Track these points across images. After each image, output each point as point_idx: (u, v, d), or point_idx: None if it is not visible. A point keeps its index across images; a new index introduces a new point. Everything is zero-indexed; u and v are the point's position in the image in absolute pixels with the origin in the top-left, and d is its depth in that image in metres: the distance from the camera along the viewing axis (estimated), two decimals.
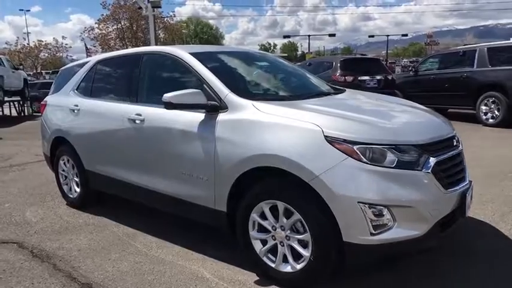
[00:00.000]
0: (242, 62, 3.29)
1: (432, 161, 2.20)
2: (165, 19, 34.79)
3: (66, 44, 41.58)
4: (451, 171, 2.34)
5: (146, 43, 32.79)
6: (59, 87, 4.31)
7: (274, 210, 2.38)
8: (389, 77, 9.66)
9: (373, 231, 2.07)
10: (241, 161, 2.38)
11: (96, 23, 31.56)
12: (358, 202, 2.04)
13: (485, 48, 8.08)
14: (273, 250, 2.45)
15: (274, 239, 2.41)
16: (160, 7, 14.09)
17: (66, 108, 3.90)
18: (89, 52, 32.17)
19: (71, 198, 4.11)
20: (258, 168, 2.36)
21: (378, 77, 9.39)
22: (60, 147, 4.09)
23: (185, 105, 2.59)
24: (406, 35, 45.91)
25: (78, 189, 3.99)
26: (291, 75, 3.47)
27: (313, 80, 3.53)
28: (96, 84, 3.76)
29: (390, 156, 2.11)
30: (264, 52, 4.14)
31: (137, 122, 3.07)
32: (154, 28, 25.57)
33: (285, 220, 2.33)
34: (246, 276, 2.56)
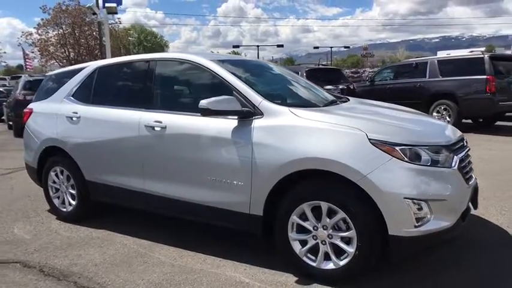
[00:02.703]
0: (260, 71, 3.38)
1: (456, 159, 2.46)
2: (111, 26, 33.41)
3: (0, 49, 38.07)
4: (466, 168, 2.63)
5: (90, 50, 31.16)
6: (46, 94, 4.04)
7: (314, 210, 2.48)
8: (351, 87, 10.25)
9: (416, 224, 2.26)
10: (283, 165, 2.46)
11: (35, 28, 29.38)
12: (404, 198, 2.22)
13: (436, 61, 8.95)
14: (312, 249, 2.54)
15: (315, 239, 2.51)
16: (116, 13, 13.60)
17: (62, 115, 3.67)
18: (27, 58, 29.80)
19: (64, 212, 3.85)
20: (298, 172, 2.45)
21: (341, 86, 9.92)
22: (51, 157, 3.83)
23: (221, 111, 2.61)
24: (348, 47, 48.97)
25: (74, 202, 3.76)
26: (302, 84, 3.60)
27: (319, 88, 3.71)
28: (98, 91, 3.59)
29: (425, 156, 2.33)
30: (270, 62, 4.23)
31: (157, 129, 3.01)
32: (99, 34, 24.40)
33: (328, 220, 2.44)
34: (284, 277, 2.62)
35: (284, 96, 3.12)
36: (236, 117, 2.68)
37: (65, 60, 31.94)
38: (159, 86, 3.21)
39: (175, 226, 3.58)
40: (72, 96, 3.74)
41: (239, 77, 2.85)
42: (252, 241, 3.12)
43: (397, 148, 2.29)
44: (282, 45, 40.29)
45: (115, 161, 3.33)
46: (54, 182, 3.88)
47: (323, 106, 2.99)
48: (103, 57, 26.13)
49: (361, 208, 2.32)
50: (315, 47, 41.70)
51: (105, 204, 3.79)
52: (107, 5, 13.02)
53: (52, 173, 3.86)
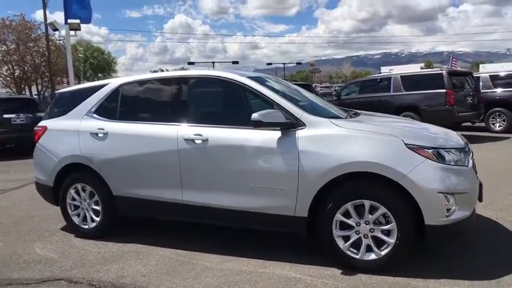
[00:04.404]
0: (284, 87, 3.70)
1: (470, 159, 2.94)
2: (59, 42, 32.01)
3: None
4: (475, 167, 3.12)
5: (36, 67, 29.58)
6: (61, 112, 4.02)
7: (356, 208, 2.82)
8: None
9: (447, 214, 2.68)
10: (330, 169, 2.77)
11: None
12: (438, 192, 2.64)
13: (399, 76, 9.86)
14: (354, 244, 2.86)
15: (358, 234, 2.83)
16: (79, 29, 13.21)
17: (85, 132, 3.70)
18: None
19: (85, 229, 3.83)
20: (342, 175, 2.79)
21: None
22: (71, 175, 3.82)
23: (271, 123, 2.88)
24: (300, 63, 51.32)
25: (97, 219, 3.76)
26: (316, 98, 3.97)
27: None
28: (125, 107, 3.68)
29: (449, 157, 2.78)
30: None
31: (197, 141, 3.19)
32: (48, 51, 23.31)
33: (370, 216, 2.78)
34: (330, 271, 2.90)
35: (315, 109, 3.45)
36: (279, 128, 2.96)
37: (9, 78, 30.04)
38: (197, 101, 3.41)
39: (202, 234, 3.73)
40: (95, 113, 3.79)
41: (277, 93, 3.16)
42: (283, 241, 3.38)
43: (429, 151, 2.72)
44: (237, 62, 41.17)
45: (149, 175, 3.43)
46: (73, 199, 3.86)
47: (348, 117, 3.36)
48: (52, 75, 24.96)
49: (400, 203, 2.70)
50: (268, 63, 43.20)
51: (128, 219, 3.85)
52: (69, 21, 12.65)
53: (72, 191, 3.84)
